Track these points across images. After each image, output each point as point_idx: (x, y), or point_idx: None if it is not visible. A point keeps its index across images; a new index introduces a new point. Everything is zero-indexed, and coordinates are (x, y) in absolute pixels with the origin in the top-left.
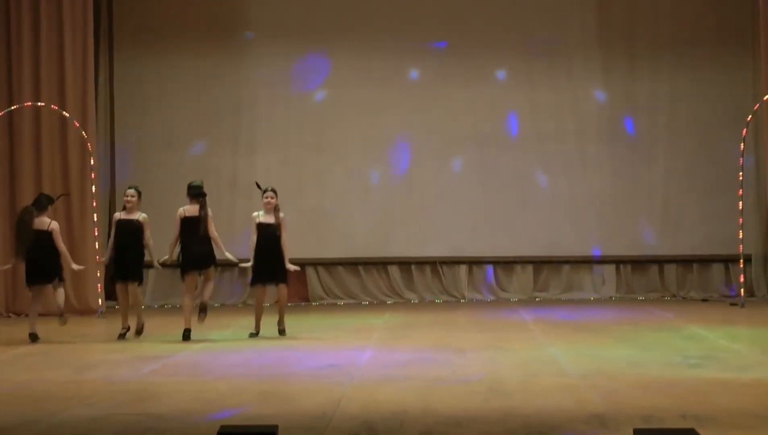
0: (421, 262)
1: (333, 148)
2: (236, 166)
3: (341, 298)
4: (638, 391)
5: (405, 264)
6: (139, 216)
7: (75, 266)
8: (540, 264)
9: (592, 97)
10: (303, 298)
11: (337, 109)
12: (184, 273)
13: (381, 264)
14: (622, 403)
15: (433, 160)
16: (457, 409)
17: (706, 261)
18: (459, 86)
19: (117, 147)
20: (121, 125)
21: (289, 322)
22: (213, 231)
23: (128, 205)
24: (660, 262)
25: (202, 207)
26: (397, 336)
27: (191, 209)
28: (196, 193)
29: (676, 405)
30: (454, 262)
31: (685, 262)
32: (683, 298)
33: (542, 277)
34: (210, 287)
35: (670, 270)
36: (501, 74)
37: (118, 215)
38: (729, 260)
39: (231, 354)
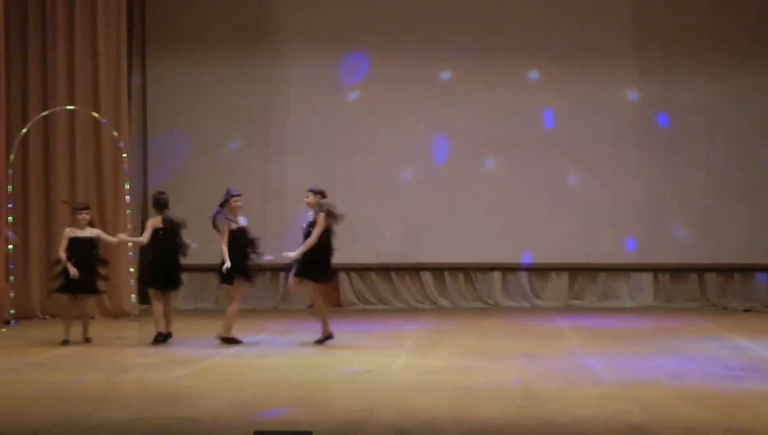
0: (454, 269)
1: (364, 150)
2: (267, 169)
3: (373, 304)
4: (678, 402)
5: (438, 270)
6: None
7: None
8: (575, 271)
9: (627, 99)
10: (335, 304)
11: (368, 111)
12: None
13: (413, 270)
14: (661, 414)
15: (466, 164)
16: (492, 416)
17: (748, 270)
18: (492, 88)
19: (149, 150)
20: (153, 128)
21: (317, 326)
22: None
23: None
24: (699, 270)
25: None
26: (430, 342)
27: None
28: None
29: (718, 418)
30: (487, 268)
31: (726, 270)
32: (724, 308)
33: (578, 284)
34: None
35: (711, 279)
36: (534, 75)
37: (155, 222)
38: None
39: (264, 358)
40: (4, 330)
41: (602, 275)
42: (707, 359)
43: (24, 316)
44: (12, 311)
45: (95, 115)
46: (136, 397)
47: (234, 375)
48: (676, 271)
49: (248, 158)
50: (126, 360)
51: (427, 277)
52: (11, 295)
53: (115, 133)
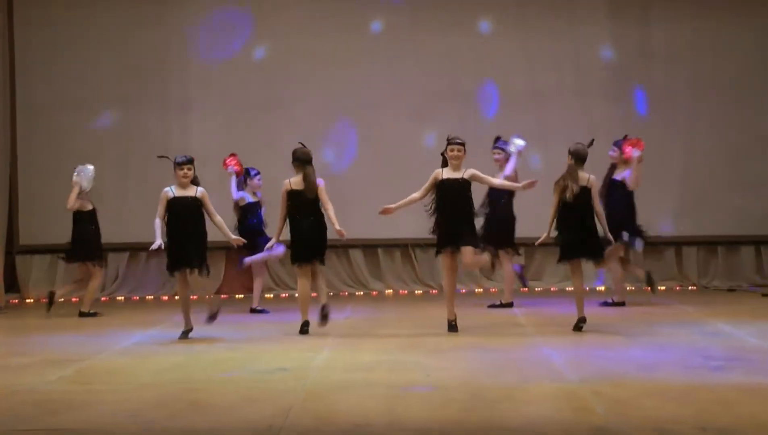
0: (389, 245)
1: (283, 107)
2: (168, 130)
3: (292, 289)
4: (649, 399)
5: (370, 247)
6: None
7: None
8: (533, 247)
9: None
10: (245, 288)
11: (287, 61)
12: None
13: (341, 247)
14: (629, 413)
15: (403, 124)
16: (431, 420)
17: (733, 243)
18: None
19: (18, 106)
20: (22, 79)
21: (227, 316)
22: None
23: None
24: (678, 244)
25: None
26: (359, 334)
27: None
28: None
29: (694, 416)
30: (429, 244)
31: (709, 244)
32: (705, 287)
33: (535, 263)
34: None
35: (690, 254)
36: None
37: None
38: (762, 242)
39: (159, 357)
40: None
41: None
42: (684, 348)
43: None
44: None
45: None
46: (2, 406)
47: (122, 377)
48: (650, 247)
49: (143, 117)
50: None
51: (357, 255)
52: None
53: None
